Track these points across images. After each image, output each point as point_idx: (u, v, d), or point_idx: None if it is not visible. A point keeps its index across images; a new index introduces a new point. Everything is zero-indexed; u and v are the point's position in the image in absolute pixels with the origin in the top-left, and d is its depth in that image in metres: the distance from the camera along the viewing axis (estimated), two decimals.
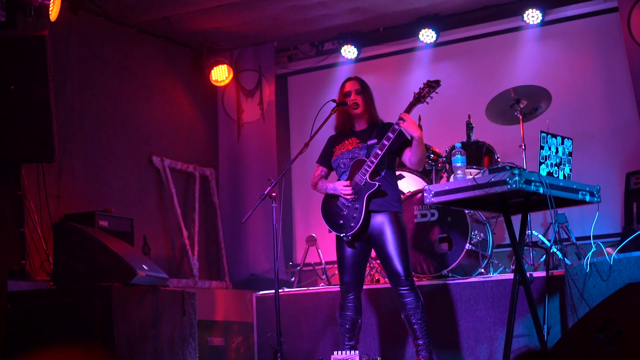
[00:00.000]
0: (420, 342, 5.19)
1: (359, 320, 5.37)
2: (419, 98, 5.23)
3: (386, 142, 5.15)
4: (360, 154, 5.27)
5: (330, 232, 5.31)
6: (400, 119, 5.15)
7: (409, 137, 5.21)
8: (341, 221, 5.23)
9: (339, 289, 5.41)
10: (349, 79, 5.50)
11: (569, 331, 4.14)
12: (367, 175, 5.18)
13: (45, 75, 5.52)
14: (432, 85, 5.23)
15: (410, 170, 6.69)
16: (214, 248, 8.58)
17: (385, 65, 8.57)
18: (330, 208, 5.31)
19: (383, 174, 5.26)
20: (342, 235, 5.23)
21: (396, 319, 6.04)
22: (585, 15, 7.86)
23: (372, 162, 5.17)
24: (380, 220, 5.20)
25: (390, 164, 5.35)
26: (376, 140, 5.24)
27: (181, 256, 8.14)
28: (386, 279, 5.43)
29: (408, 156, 5.26)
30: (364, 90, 5.40)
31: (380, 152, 5.16)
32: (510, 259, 7.00)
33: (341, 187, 5.23)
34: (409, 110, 5.20)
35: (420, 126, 6.98)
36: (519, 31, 8.04)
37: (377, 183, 5.17)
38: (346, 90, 5.42)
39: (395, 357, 6.03)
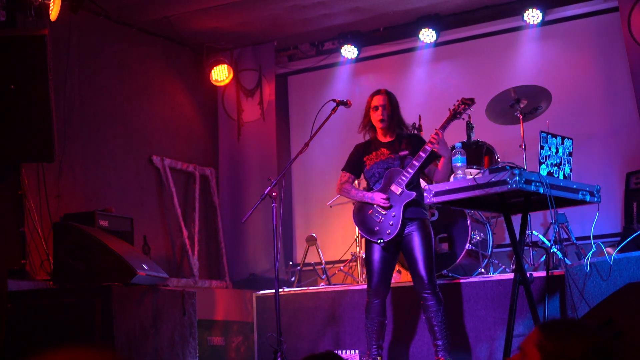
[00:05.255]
0: (440, 342, 5.38)
1: (385, 322, 5.55)
2: (454, 114, 5.41)
3: (423, 155, 5.31)
4: (394, 164, 5.44)
5: (362, 237, 5.51)
6: (434, 137, 5.26)
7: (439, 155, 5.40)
8: (377, 228, 5.40)
9: (339, 289, 5.45)
10: (377, 93, 5.57)
11: None
12: (404, 185, 5.34)
13: (45, 75, 5.51)
14: (467, 103, 5.43)
15: None
16: (214, 248, 8.57)
17: (385, 65, 8.56)
18: (365, 215, 5.47)
19: (414, 184, 5.44)
20: (378, 241, 5.39)
21: (399, 319, 6.05)
22: (585, 15, 7.84)
23: (408, 173, 5.35)
24: (411, 227, 5.40)
25: (417, 175, 5.51)
26: (408, 152, 5.43)
27: (181, 256, 8.13)
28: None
29: (433, 171, 5.44)
30: (391, 104, 5.52)
31: (417, 164, 5.33)
32: (510, 259, 7.00)
33: (379, 199, 5.37)
34: (444, 126, 5.36)
35: (420, 126, 7.02)
36: (519, 31, 8.02)
37: (414, 193, 5.35)
38: (374, 105, 5.53)
39: (398, 357, 6.03)
